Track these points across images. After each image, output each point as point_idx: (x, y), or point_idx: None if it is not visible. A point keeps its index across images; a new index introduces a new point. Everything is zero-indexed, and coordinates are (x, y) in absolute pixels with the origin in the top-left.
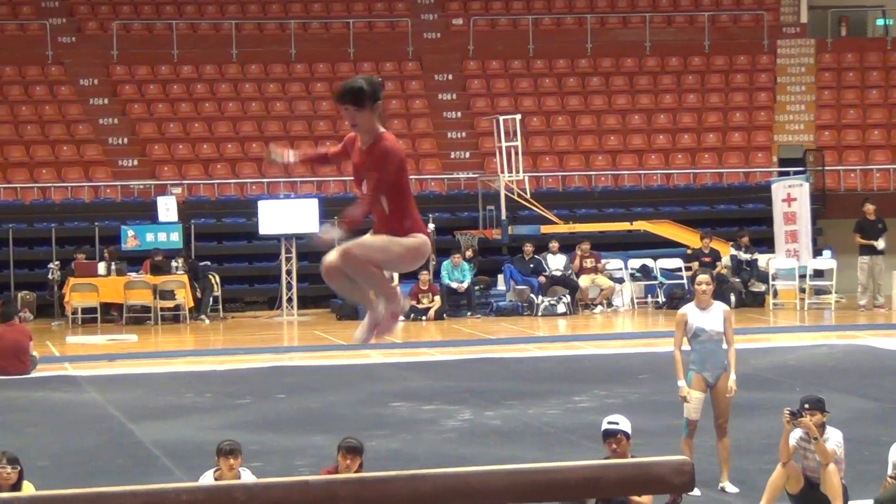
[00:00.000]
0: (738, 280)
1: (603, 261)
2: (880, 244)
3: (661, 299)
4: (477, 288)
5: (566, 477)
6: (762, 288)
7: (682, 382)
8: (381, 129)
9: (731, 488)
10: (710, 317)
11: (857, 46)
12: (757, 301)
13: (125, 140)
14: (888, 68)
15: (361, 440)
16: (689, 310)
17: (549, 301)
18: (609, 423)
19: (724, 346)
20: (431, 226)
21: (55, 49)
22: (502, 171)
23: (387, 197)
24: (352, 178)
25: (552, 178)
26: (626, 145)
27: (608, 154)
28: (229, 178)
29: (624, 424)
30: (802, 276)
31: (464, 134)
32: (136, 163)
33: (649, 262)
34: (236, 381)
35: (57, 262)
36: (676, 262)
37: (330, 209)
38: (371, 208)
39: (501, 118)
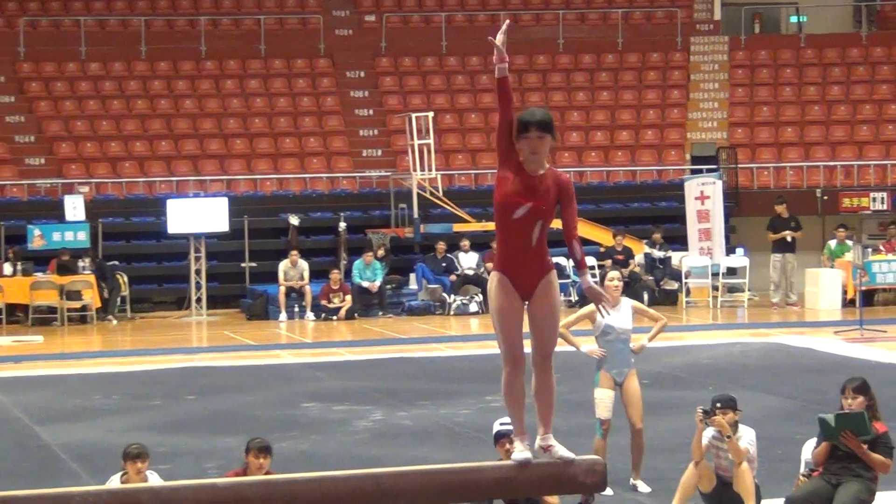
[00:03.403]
0: (650, 278)
1: None
2: (790, 236)
3: (574, 298)
4: (389, 287)
5: (479, 478)
6: (675, 286)
7: (584, 347)
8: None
9: (643, 487)
10: (619, 315)
11: (771, 44)
12: (670, 299)
13: (32, 138)
14: (801, 66)
15: (269, 441)
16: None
17: (461, 300)
18: (501, 424)
19: (633, 345)
20: (341, 226)
21: None
22: (414, 169)
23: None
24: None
25: (465, 175)
26: None
27: None
28: (138, 176)
29: None
30: (715, 274)
31: (376, 132)
32: (42, 161)
33: (562, 260)
34: (145, 383)
35: None
36: (589, 261)
37: (239, 208)
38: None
39: (414, 116)
